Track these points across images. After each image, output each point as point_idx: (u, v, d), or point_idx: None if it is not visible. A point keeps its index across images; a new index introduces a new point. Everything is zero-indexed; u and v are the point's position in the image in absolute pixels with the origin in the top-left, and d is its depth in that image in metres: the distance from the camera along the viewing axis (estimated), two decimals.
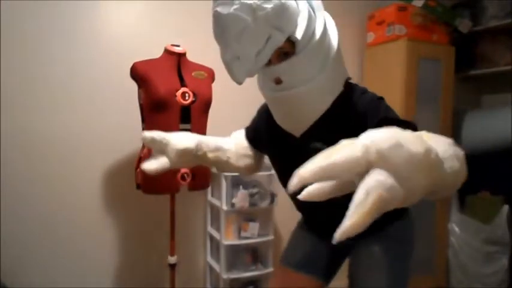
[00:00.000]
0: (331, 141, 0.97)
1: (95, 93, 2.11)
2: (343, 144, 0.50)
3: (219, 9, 0.83)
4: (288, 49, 0.89)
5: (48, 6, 1.99)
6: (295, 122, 1.03)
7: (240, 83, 0.91)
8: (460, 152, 0.67)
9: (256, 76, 1.02)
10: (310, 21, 0.89)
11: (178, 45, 1.88)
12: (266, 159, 1.28)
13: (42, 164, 2.02)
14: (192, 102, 1.80)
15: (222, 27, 0.84)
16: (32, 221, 2.01)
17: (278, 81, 0.93)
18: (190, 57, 1.92)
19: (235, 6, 0.80)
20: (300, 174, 0.49)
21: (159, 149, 1.01)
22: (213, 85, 1.97)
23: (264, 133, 1.18)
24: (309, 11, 0.89)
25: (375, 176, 0.47)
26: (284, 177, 1.20)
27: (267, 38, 0.83)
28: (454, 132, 2.66)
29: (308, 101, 0.96)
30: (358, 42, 2.78)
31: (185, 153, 1.02)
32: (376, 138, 0.49)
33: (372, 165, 0.48)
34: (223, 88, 2.09)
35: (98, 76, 2.11)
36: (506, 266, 2.45)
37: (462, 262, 2.59)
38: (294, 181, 0.49)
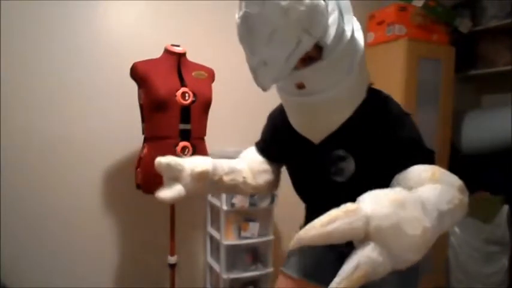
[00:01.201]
0: (353, 149, 0.95)
1: (95, 93, 2.11)
2: (346, 209, 0.53)
3: (248, 9, 0.77)
4: (313, 54, 0.84)
5: (48, 7, 1.99)
6: (314, 128, 0.98)
7: (265, 89, 0.86)
8: (464, 197, 0.72)
9: None
10: (339, 25, 0.84)
11: (178, 45, 1.88)
12: None
13: (42, 164, 2.02)
14: (192, 102, 1.80)
15: (250, 28, 0.79)
16: (32, 221, 2.01)
17: (301, 86, 0.89)
18: (190, 57, 1.92)
19: (266, 6, 0.74)
20: (300, 237, 0.52)
21: (173, 176, 0.90)
22: (213, 85, 1.97)
23: (279, 139, 1.11)
24: (338, 14, 0.84)
25: (368, 252, 0.52)
26: (301, 185, 1.13)
27: (297, 42, 0.78)
28: (454, 132, 2.66)
29: (330, 108, 0.92)
30: None
31: (202, 177, 0.93)
32: (378, 212, 0.54)
33: (369, 237, 0.53)
34: (223, 88, 2.10)
35: (98, 76, 2.11)
36: (506, 266, 2.45)
37: (462, 262, 2.59)
38: (293, 242, 0.53)
